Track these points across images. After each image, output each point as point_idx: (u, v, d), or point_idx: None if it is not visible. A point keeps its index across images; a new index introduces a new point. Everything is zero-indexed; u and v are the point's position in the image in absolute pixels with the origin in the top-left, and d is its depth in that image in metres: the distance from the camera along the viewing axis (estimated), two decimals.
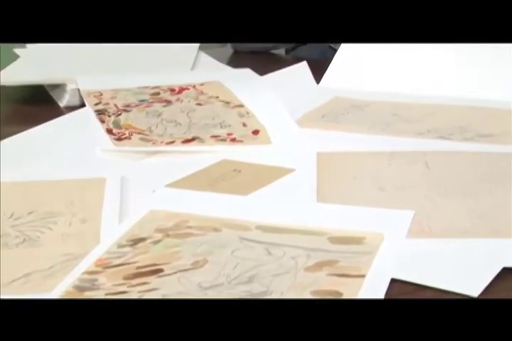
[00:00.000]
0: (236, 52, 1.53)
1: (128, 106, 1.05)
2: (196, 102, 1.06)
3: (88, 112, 1.03)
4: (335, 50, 1.29)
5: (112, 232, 0.75)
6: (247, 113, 1.03)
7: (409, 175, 0.86)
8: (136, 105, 1.05)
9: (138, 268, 0.69)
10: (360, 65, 1.21)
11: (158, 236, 0.74)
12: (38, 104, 1.14)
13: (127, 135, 0.97)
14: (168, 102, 1.06)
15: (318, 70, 1.20)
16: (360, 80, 1.18)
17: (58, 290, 0.65)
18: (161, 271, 0.68)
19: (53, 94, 1.16)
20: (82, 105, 1.07)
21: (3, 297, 0.64)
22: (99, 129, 0.98)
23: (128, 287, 0.66)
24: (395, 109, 1.07)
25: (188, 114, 1.03)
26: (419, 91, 1.13)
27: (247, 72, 1.16)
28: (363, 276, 0.66)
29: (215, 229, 0.74)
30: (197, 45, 1.36)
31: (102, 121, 1.00)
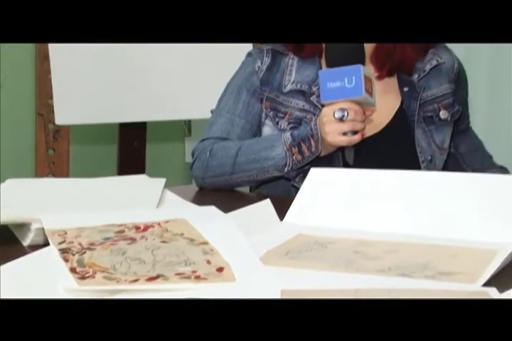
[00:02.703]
0: (201, 190, 1.56)
1: (92, 244, 1.05)
2: (161, 240, 1.07)
3: (52, 251, 1.03)
4: (297, 188, 1.32)
5: None
6: (212, 250, 1.03)
7: None
8: (101, 243, 1.06)
9: None
10: (323, 202, 1.23)
11: None
12: (0, 243, 1.13)
13: (91, 273, 0.97)
14: (133, 240, 1.07)
15: (282, 207, 1.22)
16: (323, 217, 1.20)
17: None
18: None
19: (17, 233, 1.15)
20: (46, 244, 1.07)
21: None
22: (63, 268, 0.98)
23: None
24: (356, 246, 1.09)
25: (152, 251, 1.04)
26: (380, 229, 1.15)
27: (211, 209, 1.17)
28: None
29: None
30: (163, 182, 1.38)
31: (66, 260, 1.00)
